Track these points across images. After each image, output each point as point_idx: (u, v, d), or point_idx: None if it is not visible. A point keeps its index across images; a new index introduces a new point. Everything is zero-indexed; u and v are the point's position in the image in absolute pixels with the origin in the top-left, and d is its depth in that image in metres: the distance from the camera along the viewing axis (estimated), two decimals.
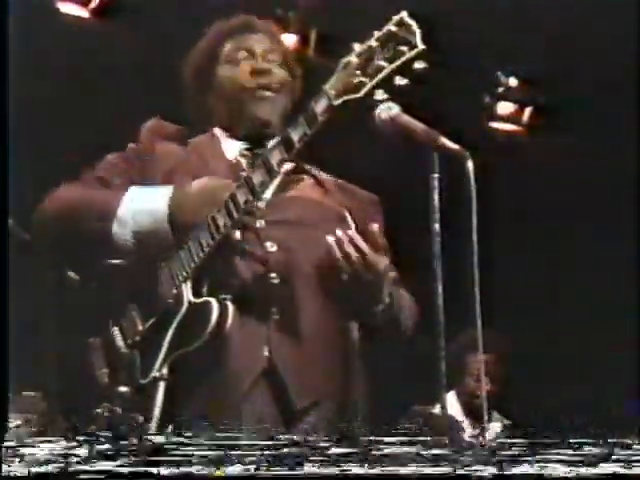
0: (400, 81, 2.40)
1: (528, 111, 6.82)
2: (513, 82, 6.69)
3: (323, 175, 2.87)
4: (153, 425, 2.47)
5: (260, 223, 2.64)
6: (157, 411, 2.49)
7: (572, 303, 6.71)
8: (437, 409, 4.86)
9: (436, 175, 2.50)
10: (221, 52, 2.89)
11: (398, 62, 2.40)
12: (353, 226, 2.72)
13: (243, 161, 2.60)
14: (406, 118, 2.58)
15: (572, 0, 5.61)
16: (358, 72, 2.43)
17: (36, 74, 5.42)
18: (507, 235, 6.35)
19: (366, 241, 2.54)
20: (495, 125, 6.88)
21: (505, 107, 6.80)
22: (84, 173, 2.77)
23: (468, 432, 4.97)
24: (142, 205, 2.60)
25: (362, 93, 2.43)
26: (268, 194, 2.65)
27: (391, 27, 2.42)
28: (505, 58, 6.42)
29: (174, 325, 2.54)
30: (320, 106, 2.48)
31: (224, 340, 2.52)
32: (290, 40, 5.91)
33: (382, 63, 2.40)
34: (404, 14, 2.42)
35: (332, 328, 2.67)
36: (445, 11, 5.46)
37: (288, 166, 2.68)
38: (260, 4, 5.91)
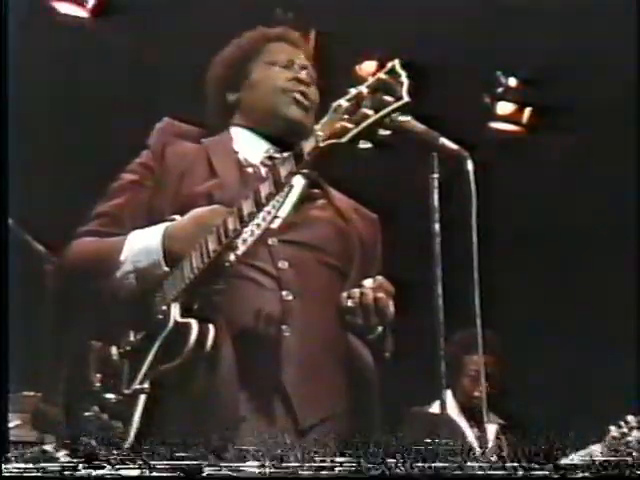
0: (383, 132, 2.40)
1: (528, 111, 6.82)
2: (513, 82, 6.69)
3: (337, 195, 2.89)
4: (130, 436, 2.48)
5: (272, 241, 2.67)
6: (135, 423, 2.50)
7: (572, 303, 6.71)
8: (434, 409, 4.88)
9: (436, 175, 2.50)
10: (260, 52, 2.92)
11: (381, 113, 2.37)
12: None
13: (262, 169, 2.59)
14: (406, 118, 2.57)
15: (572, 0, 5.61)
16: (346, 117, 2.41)
17: (34, 74, 5.43)
18: (507, 235, 6.35)
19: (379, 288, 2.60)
20: (495, 125, 6.88)
21: (505, 107, 6.80)
22: (98, 207, 2.81)
23: (466, 432, 4.98)
24: (139, 246, 2.63)
25: (345, 139, 2.41)
26: (283, 212, 2.67)
27: (382, 75, 2.40)
28: (505, 58, 6.42)
29: (159, 341, 2.56)
30: (308, 146, 2.47)
31: (226, 357, 2.54)
32: None
33: (368, 111, 2.38)
34: (396, 62, 2.40)
35: (341, 344, 2.70)
36: (445, 11, 5.47)
37: (298, 186, 2.70)
38: (260, 4, 5.94)
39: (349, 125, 2.40)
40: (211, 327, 2.52)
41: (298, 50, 2.95)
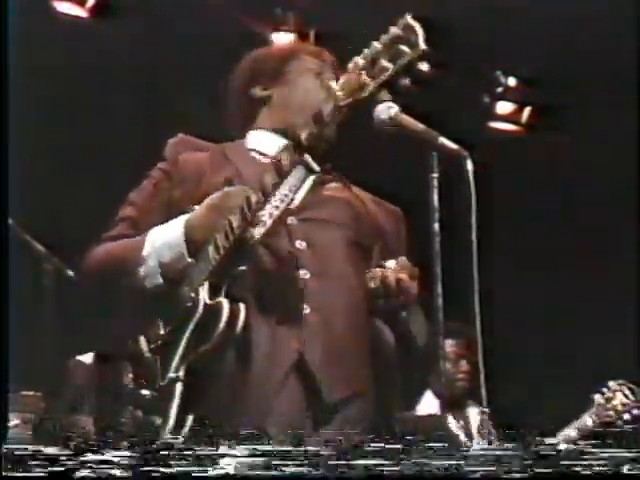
0: (404, 81, 2.41)
1: (527, 111, 6.83)
2: (512, 82, 6.70)
3: (355, 187, 2.91)
4: (169, 426, 2.48)
5: (291, 220, 2.68)
6: (173, 412, 2.50)
7: (572, 302, 6.71)
8: (421, 410, 4.89)
9: (435, 175, 2.50)
10: (297, 58, 2.94)
11: (400, 63, 2.40)
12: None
13: (285, 156, 2.60)
14: (406, 118, 2.57)
15: (572, 0, 5.61)
16: (363, 73, 2.44)
17: (34, 74, 5.43)
18: (507, 235, 6.35)
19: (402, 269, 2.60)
20: (494, 125, 6.89)
21: (504, 107, 6.80)
22: (119, 213, 2.81)
23: (452, 425, 4.98)
24: (161, 241, 2.65)
25: (366, 93, 2.44)
26: (300, 194, 2.67)
27: (395, 30, 2.42)
28: (505, 58, 6.43)
29: (191, 327, 2.57)
30: (327, 107, 2.50)
31: (251, 336, 2.56)
32: (288, 39, 5.92)
33: (386, 64, 2.41)
34: (408, 17, 2.42)
35: (363, 323, 2.71)
36: (445, 11, 5.47)
37: (315, 173, 2.69)
38: (259, 3, 5.95)
39: (367, 80, 2.42)
40: (242, 306, 2.53)
41: (327, 67, 2.94)
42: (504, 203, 6.11)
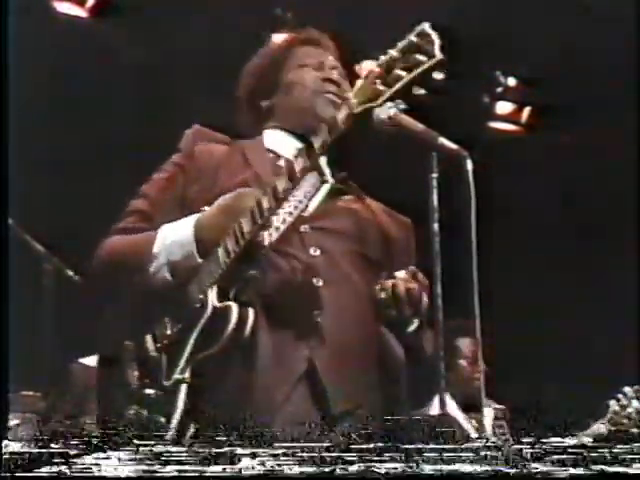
0: (418, 91, 2.42)
1: (527, 111, 6.84)
2: (512, 82, 6.70)
3: (367, 197, 2.90)
4: (173, 427, 2.48)
5: (305, 228, 2.69)
6: (178, 413, 2.51)
7: (572, 301, 6.71)
8: (433, 410, 4.87)
9: (435, 175, 2.50)
10: (289, 58, 2.94)
11: (416, 72, 2.41)
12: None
13: (300, 160, 2.60)
14: (405, 118, 2.58)
15: (572, 0, 5.62)
16: (378, 81, 2.45)
17: (34, 74, 5.43)
18: (507, 235, 6.35)
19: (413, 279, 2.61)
20: (494, 125, 6.89)
21: (504, 107, 6.81)
22: (130, 205, 2.81)
23: (465, 426, 4.97)
24: (172, 239, 2.65)
25: (380, 101, 2.46)
26: (314, 203, 2.69)
27: (412, 37, 2.44)
28: (505, 58, 6.43)
29: (198, 329, 2.57)
30: (342, 114, 2.51)
31: (260, 342, 2.56)
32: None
33: (401, 72, 2.43)
34: (425, 25, 2.43)
35: (371, 332, 2.71)
36: (446, 11, 5.48)
37: (329, 181, 2.72)
38: (259, 3, 5.95)
39: (382, 88, 2.44)
40: (251, 311, 2.53)
41: (325, 52, 2.95)
42: (504, 203, 6.11)
